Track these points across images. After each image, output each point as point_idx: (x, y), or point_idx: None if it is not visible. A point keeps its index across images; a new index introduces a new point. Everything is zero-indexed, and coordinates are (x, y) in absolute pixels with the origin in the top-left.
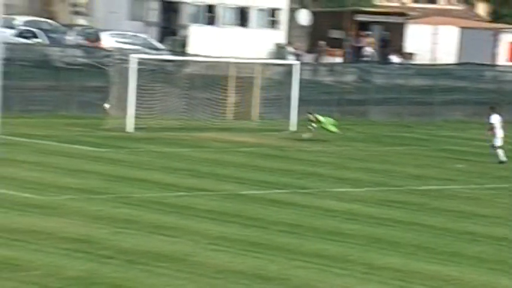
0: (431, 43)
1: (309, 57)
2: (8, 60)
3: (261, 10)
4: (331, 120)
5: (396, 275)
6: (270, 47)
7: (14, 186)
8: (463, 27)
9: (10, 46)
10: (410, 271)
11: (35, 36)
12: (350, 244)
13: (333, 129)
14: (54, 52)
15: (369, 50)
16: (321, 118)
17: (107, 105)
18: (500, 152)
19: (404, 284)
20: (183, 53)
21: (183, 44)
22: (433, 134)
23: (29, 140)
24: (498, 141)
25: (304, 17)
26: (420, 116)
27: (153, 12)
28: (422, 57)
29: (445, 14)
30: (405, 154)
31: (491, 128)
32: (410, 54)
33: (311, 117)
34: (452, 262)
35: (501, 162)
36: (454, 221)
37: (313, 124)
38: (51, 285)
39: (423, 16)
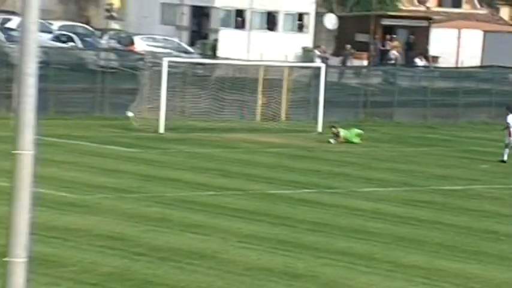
0: (456, 46)
1: (335, 61)
2: (44, 64)
3: (289, 14)
4: (356, 130)
5: (420, 272)
6: (297, 50)
7: (51, 185)
8: (486, 31)
9: (47, 50)
10: (434, 269)
11: (71, 40)
12: (375, 242)
13: (356, 140)
14: (89, 55)
15: (394, 53)
16: (342, 132)
17: (130, 114)
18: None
19: (428, 281)
20: (213, 56)
21: (213, 48)
22: (457, 135)
23: (65, 141)
24: None
25: (330, 21)
26: (444, 117)
27: (184, 16)
28: (446, 60)
29: (469, 18)
30: (430, 155)
31: (507, 127)
32: (435, 57)
33: (334, 130)
34: (475, 260)
35: (502, 161)
36: (477, 220)
37: (331, 140)
38: (86, 281)
39: (447, 20)
